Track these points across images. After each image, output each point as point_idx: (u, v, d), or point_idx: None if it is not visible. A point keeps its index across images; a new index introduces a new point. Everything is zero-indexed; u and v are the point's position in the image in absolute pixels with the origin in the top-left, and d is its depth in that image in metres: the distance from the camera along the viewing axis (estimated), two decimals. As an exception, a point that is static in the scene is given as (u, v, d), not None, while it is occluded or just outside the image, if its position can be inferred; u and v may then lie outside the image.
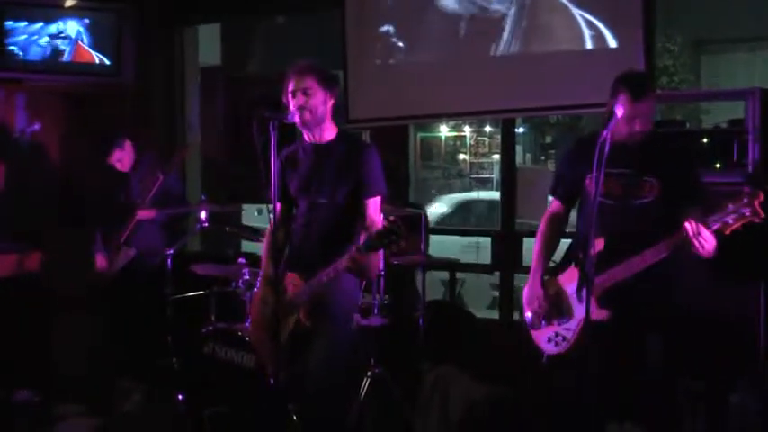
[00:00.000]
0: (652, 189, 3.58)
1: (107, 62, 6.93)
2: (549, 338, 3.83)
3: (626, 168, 3.60)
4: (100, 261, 5.78)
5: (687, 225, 3.32)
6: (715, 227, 3.30)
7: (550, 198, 4.03)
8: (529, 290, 3.91)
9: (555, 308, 3.80)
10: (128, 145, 5.85)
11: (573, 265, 3.76)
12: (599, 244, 3.52)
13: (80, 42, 6.83)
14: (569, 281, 3.75)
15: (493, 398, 4.45)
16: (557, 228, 3.98)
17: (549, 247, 3.96)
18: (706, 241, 3.31)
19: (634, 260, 3.49)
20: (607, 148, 3.26)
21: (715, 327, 4.00)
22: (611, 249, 3.52)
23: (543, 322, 3.85)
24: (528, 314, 3.91)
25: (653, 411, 3.63)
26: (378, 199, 3.87)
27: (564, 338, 3.74)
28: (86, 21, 6.84)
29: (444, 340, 5.27)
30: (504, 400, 4.43)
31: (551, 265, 3.96)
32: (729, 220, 3.28)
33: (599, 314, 3.51)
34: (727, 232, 3.31)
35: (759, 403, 4.00)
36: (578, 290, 3.62)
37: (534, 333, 3.91)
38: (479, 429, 4.35)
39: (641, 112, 3.53)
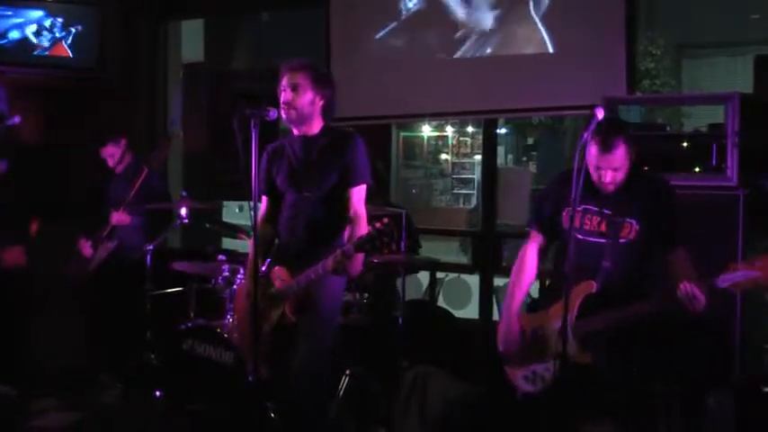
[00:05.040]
0: (631, 230, 3.54)
1: (85, 58, 6.90)
2: (525, 377, 3.71)
3: (606, 209, 3.59)
4: (86, 249, 5.76)
5: (682, 287, 3.27)
6: (723, 285, 3.25)
7: (529, 230, 3.95)
8: (503, 326, 3.79)
9: (532, 348, 3.68)
10: (123, 142, 5.87)
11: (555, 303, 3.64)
12: (591, 286, 3.52)
13: (61, 42, 6.82)
14: (551, 318, 3.62)
15: (471, 397, 4.46)
16: (534, 261, 3.87)
17: (526, 280, 3.85)
18: (699, 303, 3.28)
19: (622, 312, 3.43)
20: (581, 181, 3.20)
21: (690, 329, 4.02)
22: (603, 294, 3.50)
23: (518, 361, 3.74)
24: (502, 349, 3.80)
25: (628, 413, 3.64)
26: (362, 188, 3.86)
27: (542, 379, 3.62)
28: (70, 15, 6.82)
29: (423, 339, 5.28)
30: (483, 399, 4.44)
31: (527, 300, 3.88)
32: (740, 282, 3.23)
33: (582, 357, 3.49)
34: (737, 291, 3.30)
35: (733, 406, 4.03)
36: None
37: (509, 369, 3.79)
38: (458, 428, 4.36)
39: (610, 164, 3.47)
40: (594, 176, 3.53)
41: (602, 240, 3.58)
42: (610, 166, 3.48)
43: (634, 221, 3.54)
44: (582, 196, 3.35)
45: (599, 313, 3.48)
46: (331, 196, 3.83)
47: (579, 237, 3.59)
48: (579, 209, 3.58)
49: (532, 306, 3.87)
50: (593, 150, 3.46)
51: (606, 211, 3.59)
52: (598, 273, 3.54)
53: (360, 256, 3.66)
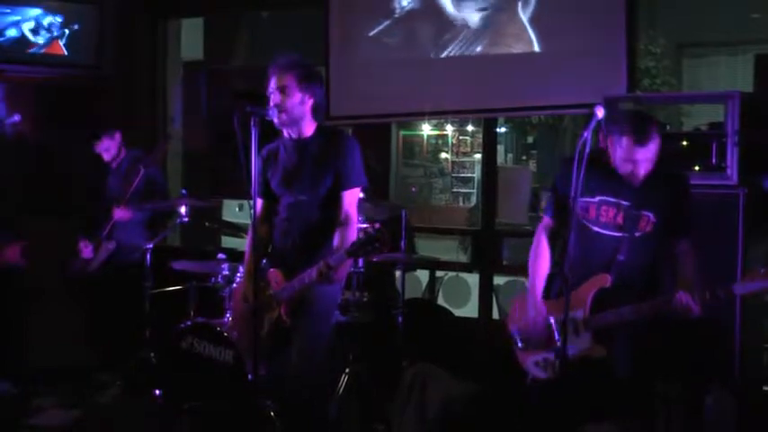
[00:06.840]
0: (648, 223, 3.55)
1: (83, 57, 6.89)
2: (536, 363, 3.72)
3: (624, 200, 3.58)
4: (86, 251, 5.75)
5: (678, 298, 3.29)
6: (740, 292, 3.24)
7: (544, 216, 3.92)
8: (528, 311, 3.75)
9: (546, 335, 3.67)
10: (117, 136, 5.87)
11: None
12: (605, 280, 3.53)
13: (58, 40, 6.81)
14: (560, 310, 3.59)
15: (470, 395, 4.46)
16: (547, 246, 3.84)
17: (543, 266, 3.81)
18: (693, 313, 3.30)
19: (632, 309, 3.44)
20: (583, 171, 3.15)
21: (690, 328, 4.02)
22: (617, 287, 3.51)
23: (530, 346, 3.73)
24: (518, 334, 3.80)
25: (629, 412, 3.64)
26: (355, 191, 3.85)
27: (553, 366, 3.62)
28: (68, 13, 6.81)
29: (423, 338, 5.28)
30: (482, 398, 4.43)
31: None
32: (759, 291, 3.23)
33: (596, 351, 3.51)
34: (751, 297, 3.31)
35: (733, 406, 4.03)
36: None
37: (520, 354, 3.79)
38: (456, 426, 4.36)
39: (645, 157, 3.45)
40: (624, 169, 3.49)
41: (618, 234, 3.57)
42: (645, 158, 3.45)
43: (651, 214, 3.54)
44: (598, 186, 3.35)
45: (612, 308, 3.49)
46: (326, 200, 3.82)
47: (595, 229, 3.60)
48: (595, 200, 3.59)
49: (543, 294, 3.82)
50: (625, 143, 3.43)
51: (624, 203, 3.57)
52: (612, 266, 3.54)
53: (348, 262, 3.66)
